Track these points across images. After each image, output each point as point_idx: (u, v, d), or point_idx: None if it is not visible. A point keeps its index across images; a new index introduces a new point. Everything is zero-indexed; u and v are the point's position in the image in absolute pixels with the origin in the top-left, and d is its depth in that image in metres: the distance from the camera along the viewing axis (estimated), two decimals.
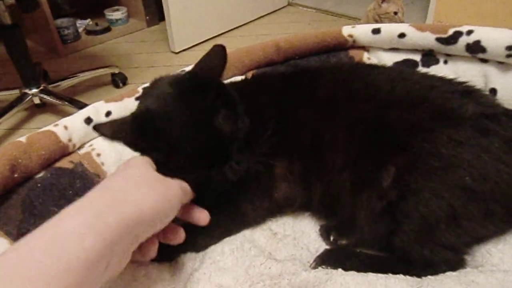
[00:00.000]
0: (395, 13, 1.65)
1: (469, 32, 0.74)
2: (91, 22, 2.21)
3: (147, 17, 2.27)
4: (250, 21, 2.28)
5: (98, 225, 0.33)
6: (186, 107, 0.49)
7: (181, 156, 0.49)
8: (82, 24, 2.17)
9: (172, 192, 0.43)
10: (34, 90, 1.44)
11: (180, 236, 0.49)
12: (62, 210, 0.35)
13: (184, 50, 1.95)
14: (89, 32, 2.13)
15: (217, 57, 0.55)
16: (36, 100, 1.47)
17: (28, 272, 0.29)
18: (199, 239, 0.58)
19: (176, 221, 0.47)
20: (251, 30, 2.20)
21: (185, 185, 0.47)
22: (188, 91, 0.51)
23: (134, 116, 0.51)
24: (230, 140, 0.51)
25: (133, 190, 0.38)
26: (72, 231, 0.32)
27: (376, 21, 1.63)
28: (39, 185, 0.59)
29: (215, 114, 0.50)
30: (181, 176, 0.48)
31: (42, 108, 1.54)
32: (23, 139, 0.61)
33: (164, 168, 0.47)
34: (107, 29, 2.16)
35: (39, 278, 0.28)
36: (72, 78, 1.58)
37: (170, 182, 0.44)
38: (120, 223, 0.35)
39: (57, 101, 1.46)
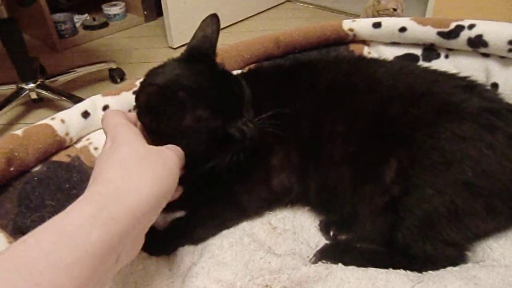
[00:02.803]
0: (395, 9, 1.64)
1: (471, 26, 0.73)
2: (88, 17, 2.19)
3: (145, 12, 2.25)
4: (249, 17, 2.27)
5: (103, 218, 0.32)
6: (198, 73, 0.51)
7: (200, 111, 0.48)
8: (79, 19, 2.16)
9: (170, 162, 0.41)
10: (31, 85, 1.43)
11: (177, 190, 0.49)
12: (68, 207, 0.34)
13: (182, 45, 1.94)
14: (86, 27, 2.11)
15: (210, 25, 0.56)
16: (33, 95, 1.46)
17: (37, 264, 0.28)
18: (197, 231, 0.57)
19: None
20: (250, 26, 2.19)
21: (177, 149, 0.45)
22: (193, 61, 0.53)
23: (161, 85, 0.50)
24: (241, 99, 0.53)
25: (133, 176, 0.37)
26: (78, 225, 0.31)
27: (375, 17, 1.63)
28: (35, 178, 0.58)
29: (225, 75, 0.54)
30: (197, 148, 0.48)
31: (39, 103, 1.53)
32: (19, 132, 0.60)
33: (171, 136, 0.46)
34: (105, 24, 2.14)
35: (49, 270, 0.28)
36: (69, 73, 1.57)
37: (165, 151, 0.42)
38: (126, 215, 0.34)
39: (54, 96, 1.45)
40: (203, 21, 0.57)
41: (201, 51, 0.55)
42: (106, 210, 0.33)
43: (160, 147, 0.43)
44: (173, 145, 0.45)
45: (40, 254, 0.29)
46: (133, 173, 0.37)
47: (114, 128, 0.43)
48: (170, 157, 0.42)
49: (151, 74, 0.54)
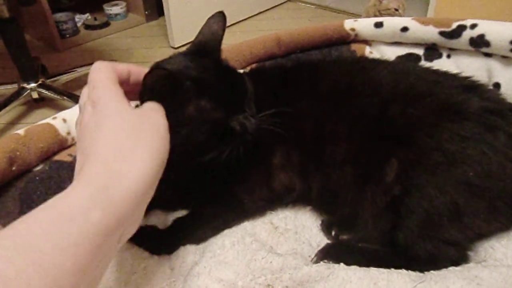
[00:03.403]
0: (396, 9, 1.64)
1: (473, 26, 0.73)
2: (89, 17, 2.19)
3: (146, 12, 2.25)
4: (250, 17, 2.27)
5: (103, 200, 0.32)
6: (204, 67, 0.52)
7: (203, 101, 0.48)
8: (80, 18, 2.16)
9: (160, 127, 0.39)
10: (33, 85, 1.43)
11: None
12: (66, 189, 0.33)
13: (183, 45, 1.94)
14: (87, 26, 2.11)
15: (216, 22, 0.57)
16: (35, 95, 1.46)
17: (38, 244, 0.28)
18: (198, 230, 0.57)
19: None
20: (251, 25, 2.19)
21: (160, 108, 0.43)
22: (198, 56, 0.54)
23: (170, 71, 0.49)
24: (244, 95, 0.53)
25: (128, 153, 0.35)
26: (79, 206, 0.31)
27: (377, 17, 1.62)
28: (37, 178, 0.58)
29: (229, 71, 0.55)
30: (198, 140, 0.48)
31: (40, 102, 1.53)
32: (21, 131, 0.60)
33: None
34: (106, 24, 2.14)
35: (49, 251, 0.28)
36: (70, 73, 1.57)
37: (152, 115, 0.40)
38: (125, 197, 0.33)
39: (55, 96, 1.45)
40: (210, 18, 0.57)
41: (207, 47, 0.55)
42: (107, 194, 0.32)
43: (145, 110, 0.40)
44: (155, 104, 0.43)
45: (40, 234, 0.28)
46: (128, 151, 0.35)
47: (96, 89, 0.39)
48: (158, 121, 0.40)
49: (157, 66, 0.54)
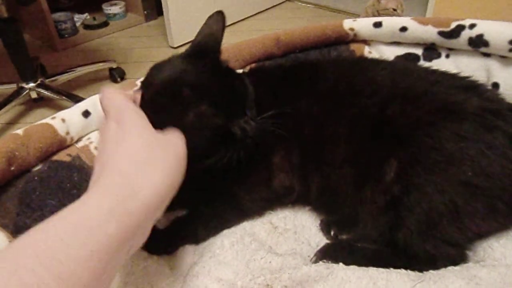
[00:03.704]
0: (394, 9, 1.64)
1: (472, 26, 0.73)
2: (88, 17, 2.19)
3: (145, 12, 2.25)
4: (249, 16, 2.27)
5: (120, 213, 0.33)
6: (203, 70, 0.51)
7: (203, 107, 0.49)
8: (79, 18, 2.16)
9: (179, 150, 0.41)
10: (32, 84, 1.43)
11: None
12: (82, 197, 0.34)
13: (182, 45, 1.94)
14: (86, 26, 2.11)
15: (215, 22, 0.56)
16: (34, 95, 1.46)
17: (58, 254, 0.28)
18: (198, 230, 0.57)
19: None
20: (250, 25, 2.19)
21: (181, 135, 0.44)
22: (197, 57, 0.53)
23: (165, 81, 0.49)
24: (244, 97, 0.53)
25: (146, 168, 0.36)
26: (96, 218, 0.31)
27: (376, 17, 1.63)
28: (36, 178, 0.58)
29: (228, 73, 0.55)
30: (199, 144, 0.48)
31: (39, 102, 1.53)
32: (20, 131, 0.60)
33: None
34: (105, 24, 2.14)
35: (69, 262, 0.28)
36: (69, 73, 1.57)
37: (173, 139, 0.42)
38: (141, 208, 0.34)
39: (54, 96, 1.45)
40: (209, 17, 0.57)
41: (206, 48, 0.55)
42: (124, 205, 0.33)
43: (168, 134, 0.42)
44: (178, 131, 0.44)
45: (60, 245, 0.29)
46: (146, 165, 0.37)
47: (120, 111, 0.42)
48: (178, 145, 0.41)
49: (155, 69, 0.54)
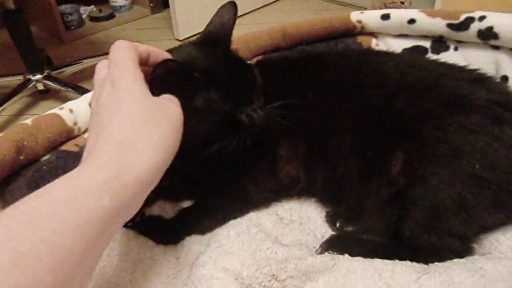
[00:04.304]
0: (402, 2, 1.62)
1: (481, 18, 0.72)
2: (94, 9, 2.19)
3: (151, 4, 2.24)
4: (256, 9, 2.25)
5: (115, 185, 0.32)
6: (213, 57, 0.52)
7: (212, 92, 0.49)
8: (85, 10, 2.15)
9: (176, 118, 0.40)
10: (38, 76, 1.44)
11: None
12: (78, 167, 0.34)
13: (188, 37, 1.93)
14: (92, 18, 2.11)
15: (227, 12, 0.56)
16: (40, 86, 1.47)
17: (51, 222, 0.28)
18: (203, 220, 0.58)
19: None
20: (256, 18, 2.18)
21: (177, 100, 0.43)
22: (208, 46, 0.54)
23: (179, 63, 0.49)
24: (253, 86, 0.53)
25: (142, 138, 0.36)
26: (91, 189, 0.31)
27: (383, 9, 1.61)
28: (44, 167, 0.59)
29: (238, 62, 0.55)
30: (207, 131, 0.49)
31: (45, 94, 1.54)
32: (28, 121, 0.60)
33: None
34: (111, 16, 2.14)
35: (62, 230, 0.28)
36: (75, 65, 1.57)
37: (169, 106, 0.40)
38: (136, 181, 0.34)
39: (61, 88, 1.46)
40: (221, 7, 0.57)
41: (217, 37, 0.55)
42: (119, 178, 0.33)
43: (164, 101, 0.41)
44: (173, 97, 0.43)
45: (54, 213, 0.29)
46: (142, 135, 0.36)
47: (117, 69, 0.39)
48: (175, 113, 0.40)
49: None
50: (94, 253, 0.31)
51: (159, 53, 0.47)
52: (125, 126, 0.36)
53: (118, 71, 0.39)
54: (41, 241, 0.27)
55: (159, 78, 0.45)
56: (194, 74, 0.48)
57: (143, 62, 0.45)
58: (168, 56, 0.48)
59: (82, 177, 0.33)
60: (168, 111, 0.40)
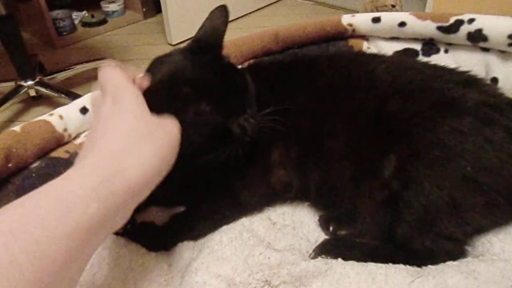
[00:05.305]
0: (393, 5, 1.64)
1: (471, 21, 0.73)
2: (87, 14, 2.18)
3: (144, 9, 2.24)
4: (248, 14, 2.26)
5: (103, 193, 0.32)
6: (203, 66, 0.51)
7: (203, 105, 0.48)
8: (78, 16, 2.15)
9: (172, 136, 0.40)
10: (30, 82, 1.43)
11: None
12: (66, 172, 0.33)
13: (181, 42, 1.93)
14: (85, 24, 2.11)
15: (218, 16, 0.56)
16: (32, 92, 1.46)
17: (34, 232, 0.27)
18: (196, 226, 0.57)
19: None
20: (249, 22, 2.18)
21: (176, 121, 0.43)
22: (199, 53, 0.53)
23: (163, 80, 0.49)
24: (245, 94, 0.52)
25: (135, 148, 0.36)
26: (77, 196, 0.31)
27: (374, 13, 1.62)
28: (33, 174, 0.58)
29: (230, 70, 0.54)
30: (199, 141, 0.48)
31: (38, 100, 1.52)
32: (17, 128, 0.60)
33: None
34: (103, 21, 2.13)
35: (44, 240, 0.27)
36: (68, 70, 1.57)
37: (168, 124, 0.41)
38: (125, 189, 0.33)
39: (53, 93, 1.45)
40: (212, 12, 0.57)
41: (208, 42, 0.55)
42: (107, 186, 0.32)
43: (164, 119, 0.41)
44: (174, 118, 0.43)
45: (37, 221, 0.28)
46: (136, 147, 0.36)
47: (118, 88, 0.40)
48: (172, 131, 0.41)
49: (157, 63, 0.54)
50: (79, 262, 0.31)
51: (142, 81, 0.46)
52: (120, 136, 0.36)
53: (119, 89, 0.40)
54: (22, 252, 0.26)
55: (149, 98, 0.45)
56: (183, 89, 0.48)
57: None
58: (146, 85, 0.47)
59: (69, 184, 0.32)
60: (166, 127, 0.40)
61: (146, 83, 0.46)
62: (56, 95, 1.45)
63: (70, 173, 0.33)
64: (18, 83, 1.42)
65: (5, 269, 0.25)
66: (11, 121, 1.44)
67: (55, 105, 1.49)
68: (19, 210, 0.29)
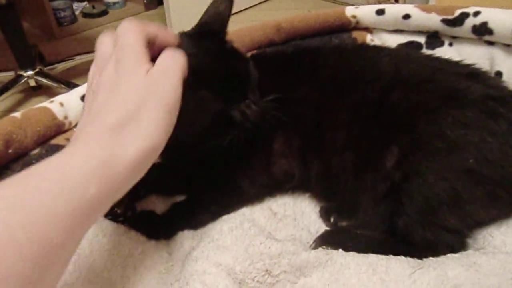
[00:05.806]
0: (396, 0, 1.63)
1: (476, 14, 0.72)
2: (88, 5, 2.17)
3: (145, 1, 2.23)
4: (249, 7, 2.25)
5: (106, 173, 0.31)
6: (205, 52, 0.50)
7: (203, 92, 0.47)
8: (78, 6, 2.14)
9: (172, 98, 0.38)
10: (30, 72, 1.42)
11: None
12: (67, 148, 0.32)
13: None
14: (85, 15, 2.10)
15: (223, 2, 0.54)
16: (32, 83, 1.45)
17: (36, 212, 0.27)
18: (196, 215, 0.57)
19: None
20: (250, 16, 2.17)
21: (179, 58, 0.41)
22: (202, 38, 0.52)
23: None
24: (247, 80, 0.52)
25: (136, 124, 0.34)
26: (78, 177, 0.30)
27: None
28: (33, 161, 0.58)
29: (233, 55, 0.53)
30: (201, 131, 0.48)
31: (37, 90, 1.52)
32: (17, 114, 0.59)
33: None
34: (104, 12, 2.13)
35: (43, 218, 0.27)
36: (68, 61, 1.56)
37: (161, 80, 0.38)
38: (128, 168, 0.33)
39: (53, 84, 1.45)
40: None
41: (212, 28, 0.54)
42: (108, 165, 0.32)
43: (157, 74, 0.38)
44: (170, 64, 0.40)
45: (38, 200, 0.28)
46: (135, 121, 0.35)
47: (123, 50, 0.38)
48: (169, 91, 0.38)
49: None
50: (74, 242, 0.30)
51: (168, 36, 0.43)
52: (119, 110, 0.35)
53: (123, 54, 0.38)
54: (22, 229, 0.26)
55: None
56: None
57: (149, 44, 0.41)
58: (174, 43, 0.44)
59: (70, 163, 0.31)
60: (160, 90, 0.37)
61: (171, 40, 0.43)
62: (56, 85, 1.45)
63: (71, 150, 0.33)
64: (18, 73, 1.42)
65: (4, 245, 0.25)
66: (10, 111, 1.43)
67: (55, 95, 1.46)
68: (19, 188, 0.28)
